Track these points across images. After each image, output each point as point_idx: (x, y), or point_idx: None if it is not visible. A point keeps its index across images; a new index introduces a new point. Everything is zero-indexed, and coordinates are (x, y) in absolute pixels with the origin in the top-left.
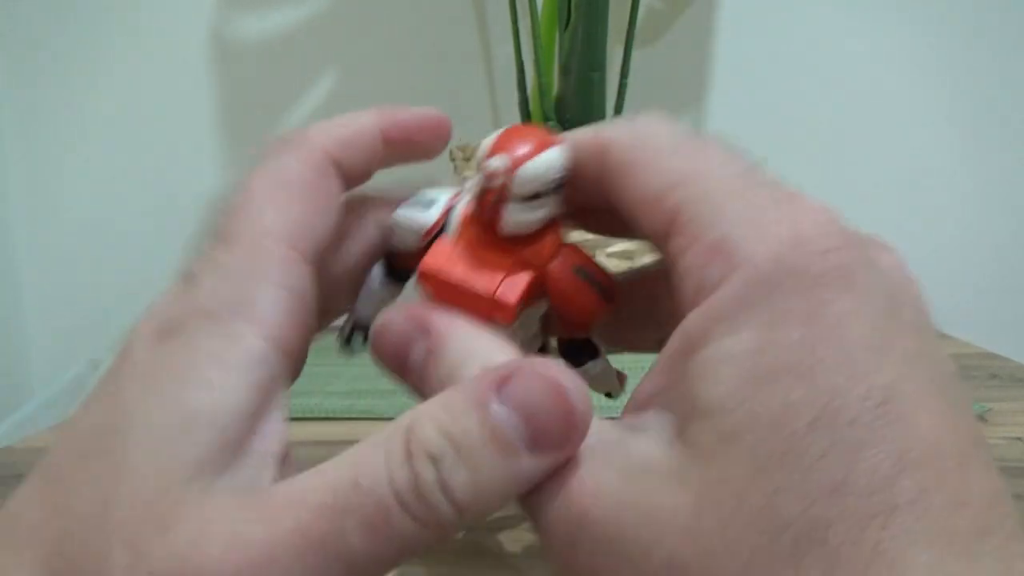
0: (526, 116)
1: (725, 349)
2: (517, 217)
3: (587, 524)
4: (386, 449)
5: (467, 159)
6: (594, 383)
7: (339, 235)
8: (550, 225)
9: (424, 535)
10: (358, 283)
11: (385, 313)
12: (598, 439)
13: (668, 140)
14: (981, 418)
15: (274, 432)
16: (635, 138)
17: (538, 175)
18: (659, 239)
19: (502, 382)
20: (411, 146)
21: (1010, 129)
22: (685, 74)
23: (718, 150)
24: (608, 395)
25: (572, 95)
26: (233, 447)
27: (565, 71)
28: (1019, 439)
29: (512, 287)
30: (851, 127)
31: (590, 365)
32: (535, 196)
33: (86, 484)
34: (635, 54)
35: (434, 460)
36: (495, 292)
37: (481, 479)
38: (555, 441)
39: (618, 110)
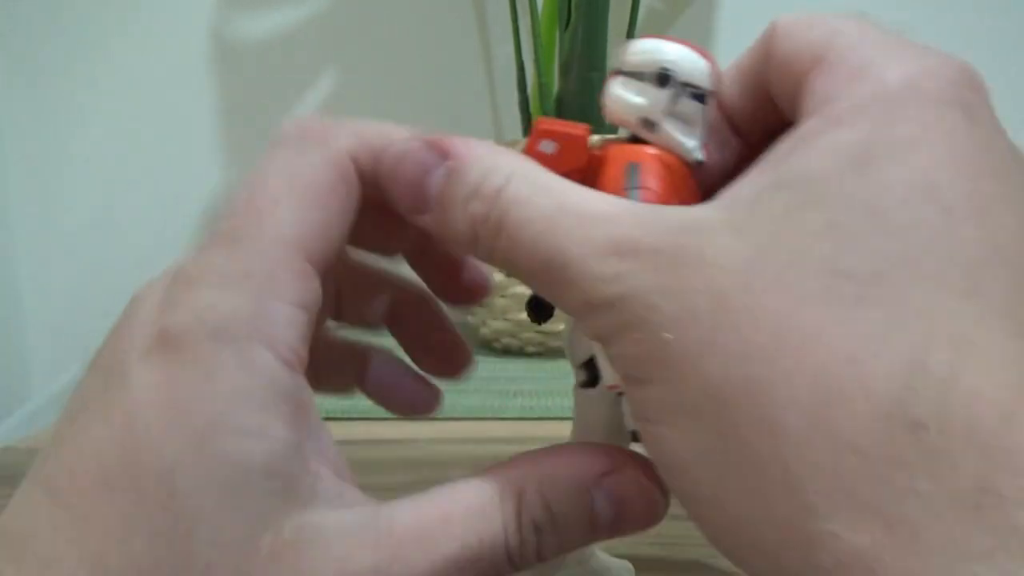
0: (526, 116)
1: (830, 137)
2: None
3: (638, 252)
4: (503, 513)
5: None
6: None
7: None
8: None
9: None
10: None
11: (399, 142)
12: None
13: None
14: None
15: (324, 451)
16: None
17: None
18: (799, 95)
19: (605, 474)
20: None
21: (1010, 129)
22: None
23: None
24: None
25: (572, 95)
26: (294, 488)
27: (565, 71)
28: None
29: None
30: None
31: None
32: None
33: (141, 534)
34: None
35: (537, 531)
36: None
37: (567, 544)
38: (635, 528)
39: None
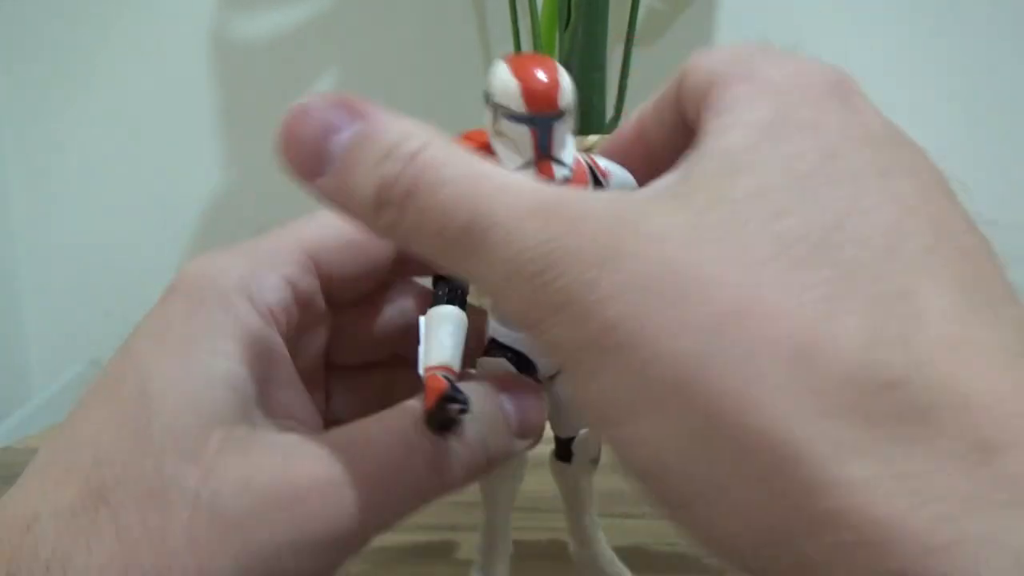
0: None
1: (738, 118)
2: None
3: (575, 229)
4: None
5: None
6: None
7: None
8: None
9: (458, 482)
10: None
11: (302, 100)
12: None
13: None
14: None
15: (292, 399)
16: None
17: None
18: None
19: (506, 385)
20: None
21: (1011, 128)
22: None
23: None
24: None
25: None
26: (251, 406)
27: (565, 71)
28: None
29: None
30: None
31: None
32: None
33: (116, 423)
34: (635, 54)
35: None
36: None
37: (492, 441)
38: (534, 428)
39: (618, 110)
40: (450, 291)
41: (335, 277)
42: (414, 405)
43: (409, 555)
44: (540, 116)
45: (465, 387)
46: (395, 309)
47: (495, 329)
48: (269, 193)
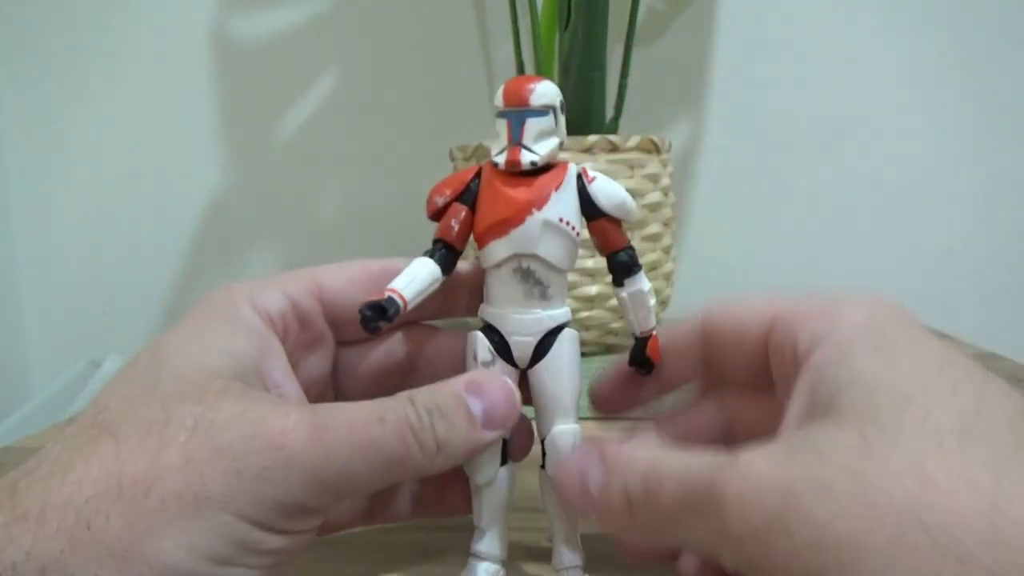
0: None
1: (846, 350)
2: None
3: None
4: (398, 399)
5: (467, 159)
6: (634, 302)
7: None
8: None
9: (422, 458)
10: None
11: (565, 459)
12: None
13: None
14: None
15: (286, 385)
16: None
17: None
18: (757, 348)
19: (472, 381)
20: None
21: (1012, 129)
22: (685, 74)
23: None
24: (641, 366)
25: (572, 95)
26: (249, 375)
27: (565, 71)
28: None
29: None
30: (851, 126)
31: (627, 283)
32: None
33: (127, 381)
34: (635, 54)
35: (429, 413)
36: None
37: (456, 433)
38: (503, 423)
39: (618, 110)
40: (433, 251)
41: (340, 312)
42: (381, 401)
43: (409, 555)
44: (513, 110)
45: (438, 386)
46: (398, 350)
47: (483, 310)
48: (269, 193)
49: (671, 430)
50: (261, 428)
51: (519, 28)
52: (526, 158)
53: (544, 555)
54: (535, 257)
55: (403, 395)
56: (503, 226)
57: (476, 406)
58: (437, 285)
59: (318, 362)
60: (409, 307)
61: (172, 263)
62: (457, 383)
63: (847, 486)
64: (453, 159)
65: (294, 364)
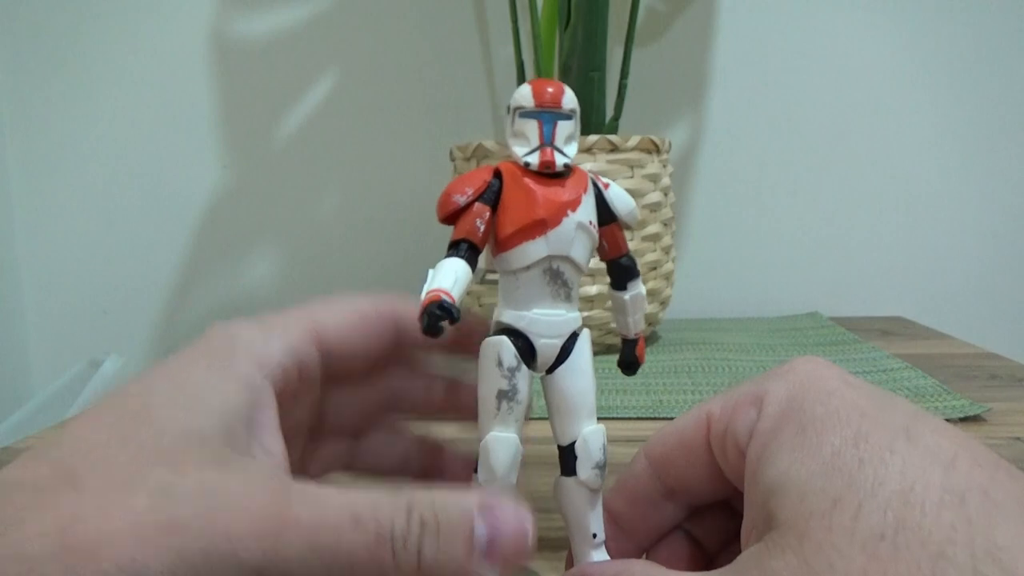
0: None
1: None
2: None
3: None
4: (392, 502)
5: (467, 159)
6: (634, 305)
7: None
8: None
9: (390, 573)
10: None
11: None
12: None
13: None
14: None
15: (272, 443)
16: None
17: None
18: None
19: (487, 504)
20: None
21: (1012, 129)
22: (685, 74)
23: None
24: (627, 369)
25: None
26: (235, 437)
27: (565, 71)
28: (1019, 439)
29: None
30: (851, 126)
31: (630, 286)
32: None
33: (108, 426)
34: (635, 54)
35: (423, 526)
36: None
37: (443, 554)
38: (507, 556)
39: (618, 110)
40: (459, 252)
41: (335, 352)
42: (373, 497)
43: None
44: (546, 110)
45: (448, 497)
46: (383, 390)
47: (501, 312)
48: (269, 193)
49: (665, 556)
50: (217, 509)
51: (519, 28)
52: (560, 160)
53: (558, 544)
54: (567, 259)
55: (403, 497)
56: (540, 227)
57: (481, 531)
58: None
59: (305, 406)
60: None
61: (172, 263)
62: (470, 499)
63: None
64: (453, 159)
65: (282, 411)
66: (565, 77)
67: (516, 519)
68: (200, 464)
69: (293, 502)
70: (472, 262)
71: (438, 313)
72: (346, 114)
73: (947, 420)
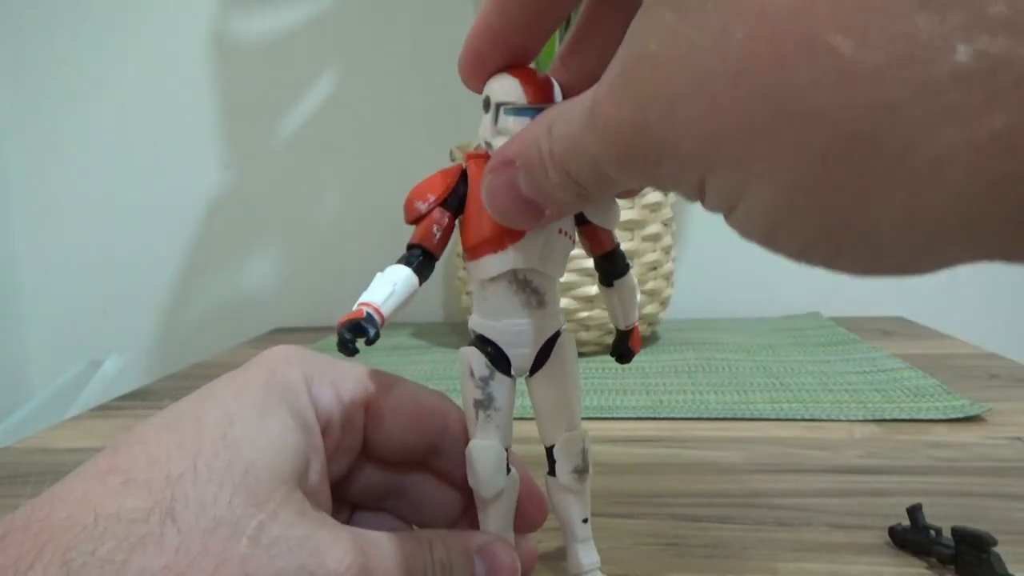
0: None
1: None
2: None
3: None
4: (425, 549)
5: None
6: (622, 299)
7: None
8: None
9: None
10: None
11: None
12: None
13: None
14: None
15: (322, 490)
16: None
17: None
18: None
19: (483, 544)
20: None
21: None
22: None
23: None
24: (620, 358)
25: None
26: (303, 478)
27: None
28: (1019, 439)
29: None
30: None
31: (617, 283)
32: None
33: (193, 454)
34: None
35: (443, 569)
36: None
37: None
38: None
39: None
40: (411, 259)
41: (381, 428)
42: (410, 545)
43: None
44: (538, 107)
45: (455, 541)
46: (400, 488)
47: (475, 322)
48: (269, 193)
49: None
50: (318, 564)
51: None
52: None
53: (554, 556)
54: (534, 270)
55: (426, 541)
56: (501, 240)
57: (480, 568)
58: (414, 297)
59: (342, 463)
60: (385, 324)
61: (172, 263)
62: (473, 541)
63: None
64: (453, 159)
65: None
66: None
67: (509, 558)
68: (287, 509)
69: (371, 556)
70: (424, 269)
71: (347, 336)
72: (346, 114)
73: (947, 420)
